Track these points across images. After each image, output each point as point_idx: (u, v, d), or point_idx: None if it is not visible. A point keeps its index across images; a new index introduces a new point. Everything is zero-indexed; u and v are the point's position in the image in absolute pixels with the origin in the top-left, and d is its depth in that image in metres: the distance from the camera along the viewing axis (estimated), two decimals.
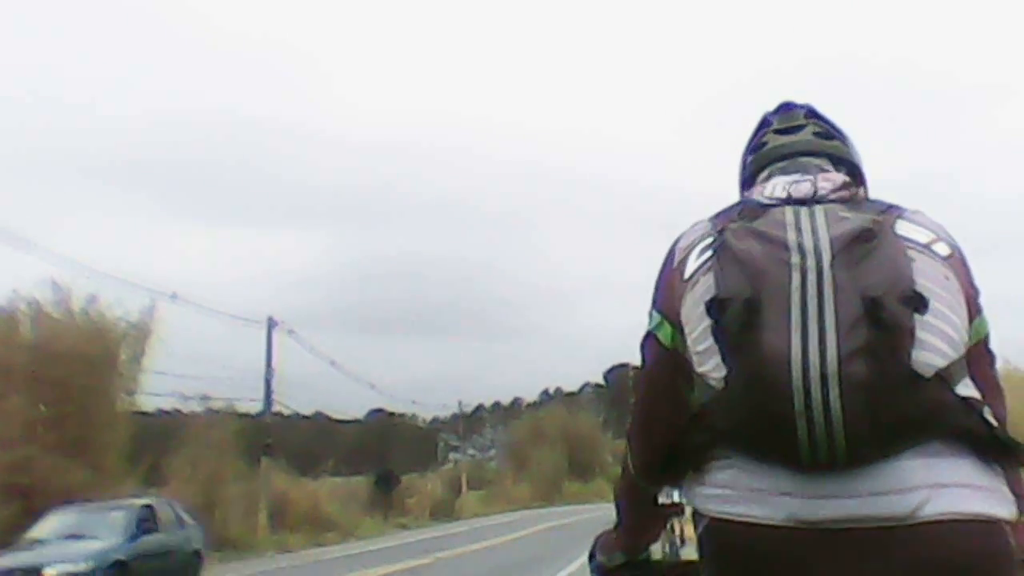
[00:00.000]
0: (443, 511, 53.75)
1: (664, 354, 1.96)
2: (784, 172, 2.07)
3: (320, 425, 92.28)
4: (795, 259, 1.71)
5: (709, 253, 1.84)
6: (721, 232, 1.84)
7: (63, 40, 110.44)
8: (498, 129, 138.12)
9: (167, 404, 33.29)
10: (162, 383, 31.55)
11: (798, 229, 1.76)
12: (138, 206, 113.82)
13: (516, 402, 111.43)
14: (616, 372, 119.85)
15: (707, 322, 1.76)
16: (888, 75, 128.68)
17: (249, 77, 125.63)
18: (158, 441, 31.15)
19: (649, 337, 2.01)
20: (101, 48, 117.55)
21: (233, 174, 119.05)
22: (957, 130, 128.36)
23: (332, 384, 75.44)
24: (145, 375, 29.22)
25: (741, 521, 1.72)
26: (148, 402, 32.27)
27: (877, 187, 2.15)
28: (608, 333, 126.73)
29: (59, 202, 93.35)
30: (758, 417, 1.67)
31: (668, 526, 6.72)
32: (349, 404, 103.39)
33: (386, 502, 46.22)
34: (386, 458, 76.26)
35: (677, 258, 1.96)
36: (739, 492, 1.73)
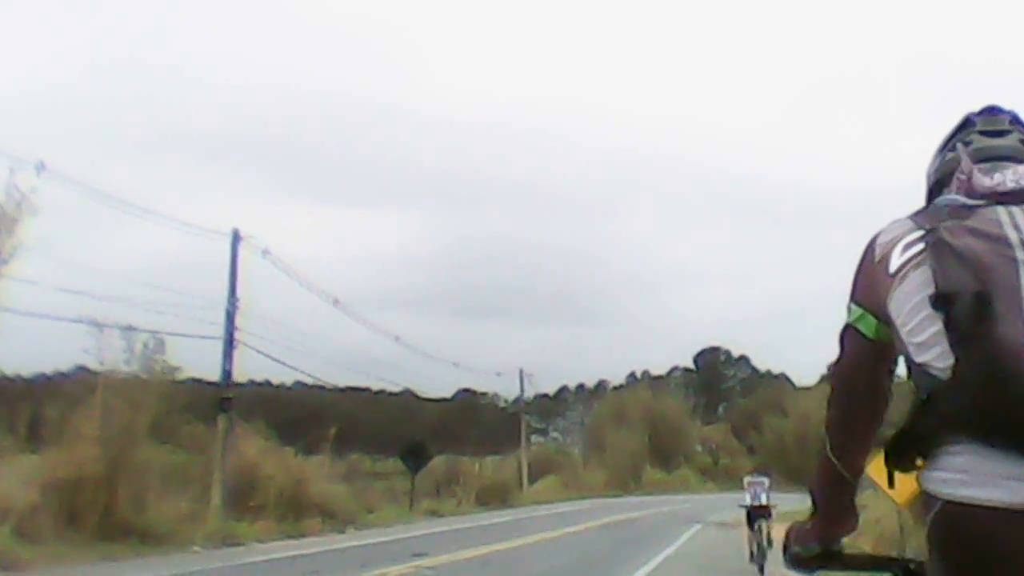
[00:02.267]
0: (496, 497, 43.98)
1: (866, 345, 2.02)
2: (989, 173, 2.02)
3: (407, 403, 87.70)
4: (1020, 255, 1.77)
5: (918, 248, 1.90)
6: (932, 230, 1.88)
7: (176, 10, 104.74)
8: (591, 113, 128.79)
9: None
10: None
11: (1015, 227, 1.82)
12: (245, 182, 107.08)
13: (601, 385, 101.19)
14: (707, 356, 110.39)
15: (925, 313, 1.82)
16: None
17: (352, 57, 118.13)
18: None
19: (849, 329, 2.06)
20: (212, 21, 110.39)
21: (336, 153, 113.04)
22: None
23: (416, 363, 69.54)
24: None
25: (977, 504, 1.72)
26: None
27: None
28: (698, 320, 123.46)
29: (166, 175, 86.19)
30: (994, 404, 1.69)
31: (755, 527, 16.40)
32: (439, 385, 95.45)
33: (412, 482, 36.61)
34: (461, 439, 68.23)
35: (878, 253, 2.01)
36: (975, 476, 1.73)
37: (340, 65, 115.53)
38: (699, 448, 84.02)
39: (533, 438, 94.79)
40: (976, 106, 2.21)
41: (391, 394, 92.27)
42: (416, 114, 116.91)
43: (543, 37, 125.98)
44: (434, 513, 35.67)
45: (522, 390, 58.21)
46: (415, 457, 37.56)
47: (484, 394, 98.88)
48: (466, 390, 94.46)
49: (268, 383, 67.52)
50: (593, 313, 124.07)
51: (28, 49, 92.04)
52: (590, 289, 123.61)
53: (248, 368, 27.37)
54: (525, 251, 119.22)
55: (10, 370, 26.45)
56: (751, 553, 17.61)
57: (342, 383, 63.55)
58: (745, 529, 18.56)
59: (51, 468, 19.63)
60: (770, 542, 17.02)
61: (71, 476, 19.55)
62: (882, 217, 2.04)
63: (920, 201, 2.20)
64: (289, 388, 75.16)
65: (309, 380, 41.76)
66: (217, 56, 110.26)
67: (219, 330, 25.46)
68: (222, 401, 25.17)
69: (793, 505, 41.29)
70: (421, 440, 40.96)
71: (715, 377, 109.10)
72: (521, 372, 57.56)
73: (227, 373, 25.42)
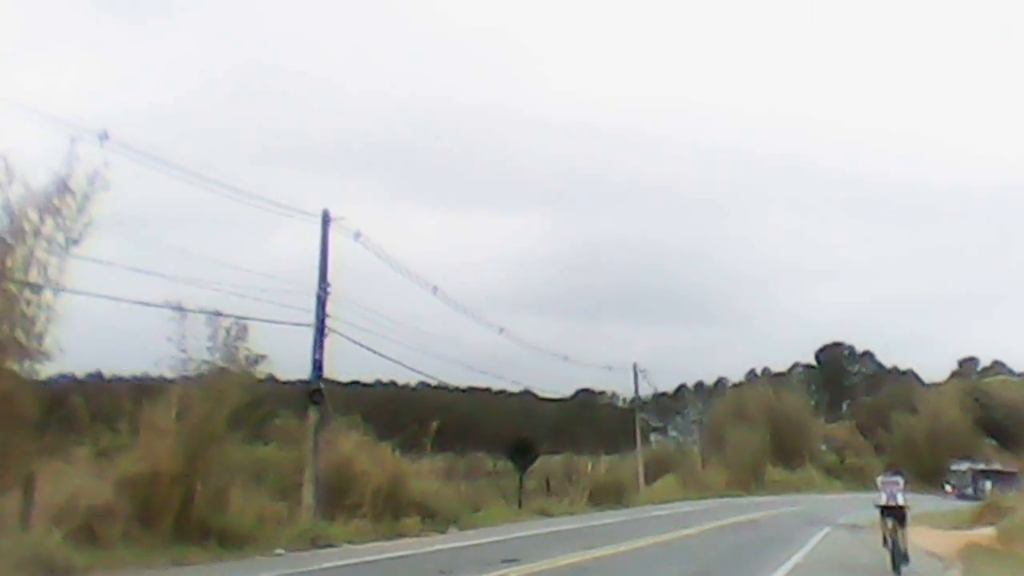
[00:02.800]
0: (611, 496, 41.77)
1: None
2: None
3: (526, 403, 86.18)
4: None
5: None
6: None
7: (300, 14, 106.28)
8: (698, 113, 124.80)
9: None
10: None
11: None
12: (367, 188, 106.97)
13: (720, 382, 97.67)
14: (829, 352, 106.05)
15: None
16: None
17: (466, 63, 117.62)
18: None
19: None
20: (339, 26, 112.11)
21: (454, 159, 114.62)
22: None
23: (534, 361, 67.91)
24: None
25: None
26: None
27: None
28: (817, 319, 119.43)
29: (291, 180, 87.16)
30: None
31: (890, 525, 17.28)
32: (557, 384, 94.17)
33: (520, 480, 34.70)
34: (578, 438, 66.28)
35: None
36: None
37: (459, 73, 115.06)
38: (823, 447, 79.97)
39: (652, 437, 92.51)
40: None
41: (510, 394, 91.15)
42: (534, 120, 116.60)
43: (652, 39, 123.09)
44: (543, 513, 33.72)
45: (636, 386, 55.71)
46: (522, 454, 35.74)
47: (602, 393, 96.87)
48: (584, 390, 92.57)
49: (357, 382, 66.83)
50: (710, 313, 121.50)
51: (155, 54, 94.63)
52: (705, 289, 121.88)
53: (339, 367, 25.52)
54: (641, 253, 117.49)
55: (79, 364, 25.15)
56: (889, 550, 17.46)
57: (463, 383, 62.18)
58: (880, 529, 18.23)
59: (125, 465, 18.23)
60: (906, 556, 17.45)
61: (145, 473, 18.15)
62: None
63: None
64: (386, 385, 73.86)
65: (419, 377, 40.15)
66: (341, 62, 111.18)
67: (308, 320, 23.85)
68: (312, 393, 23.55)
69: (926, 507, 37.47)
70: (527, 437, 39.08)
71: (838, 374, 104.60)
72: (635, 367, 55.17)
73: (318, 363, 23.80)
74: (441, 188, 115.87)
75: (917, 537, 29.24)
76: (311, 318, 23.87)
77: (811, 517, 36.84)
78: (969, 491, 59.47)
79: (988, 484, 58.03)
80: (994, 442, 79.42)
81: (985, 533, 30.63)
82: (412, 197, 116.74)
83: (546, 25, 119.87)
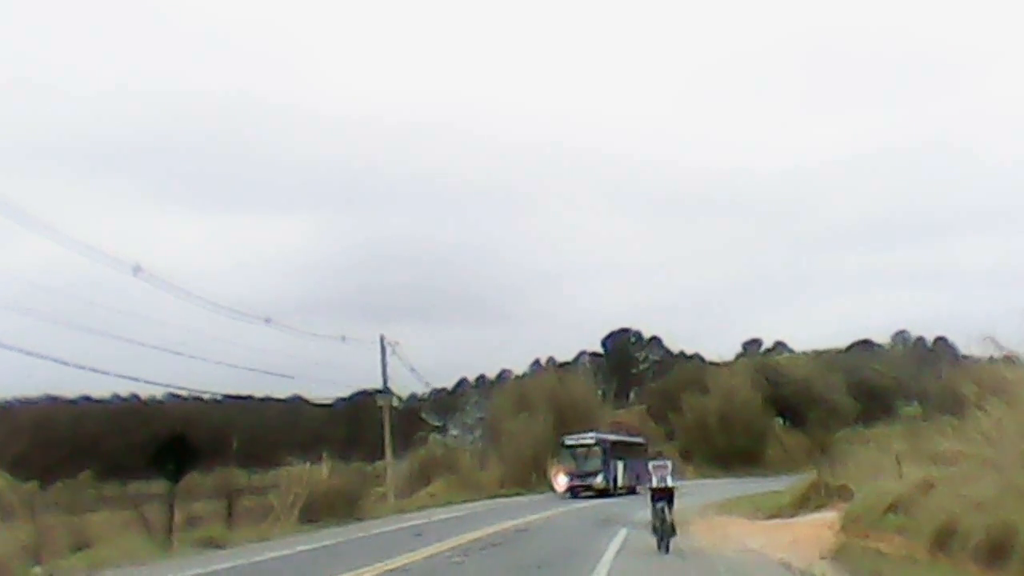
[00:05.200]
0: (339, 510, 30.74)
1: None
2: None
3: (293, 409, 76.61)
4: None
5: None
6: None
7: (51, 23, 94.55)
8: (483, 107, 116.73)
9: None
10: None
11: None
12: (126, 193, 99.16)
13: (503, 375, 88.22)
14: (616, 338, 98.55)
15: None
16: (877, 44, 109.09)
17: (233, 59, 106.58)
18: None
19: None
20: (88, 29, 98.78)
21: (221, 158, 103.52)
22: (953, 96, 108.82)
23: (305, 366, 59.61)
24: None
25: None
26: None
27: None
28: (606, 312, 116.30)
29: (50, 189, 79.44)
30: None
31: (659, 507, 18.08)
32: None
33: (171, 498, 23.16)
34: (350, 442, 55.97)
35: None
36: None
37: (219, 68, 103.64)
38: None
39: (433, 436, 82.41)
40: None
41: (278, 400, 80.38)
42: (309, 114, 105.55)
43: (441, 32, 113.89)
44: (211, 544, 22.43)
45: (384, 365, 44.19)
46: (172, 460, 23.95)
47: (377, 391, 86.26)
48: (362, 392, 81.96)
49: None
50: (498, 310, 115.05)
51: None
52: (494, 286, 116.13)
53: None
54: (428, 250, 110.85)
55: None
56: (655, 529, 18.06)
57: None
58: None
59: None
60: (673, 529, 18.19)
61: None
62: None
63: None
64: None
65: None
66: (85, 66, 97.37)
67: None
68: None
69: (728, 493, 29.15)
70: (180, 433, 26.92)
71: (626, 361, 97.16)
72: (382, 339, 43.90)
73: None
74: (210, 189, 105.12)
75: (737, 531, 20.14)
76: None
77: (601, 516, 27.42)
78: (600, 481, 43.34)
79: (620, 467, 45.31)
80: (784, 421, 74.14)
81: (823, 521, 21.78)
82: (176, 200, 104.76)
83: (322, 21, 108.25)
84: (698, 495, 38.91)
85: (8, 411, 56.05)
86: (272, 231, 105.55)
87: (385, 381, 43.48)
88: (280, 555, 19.47)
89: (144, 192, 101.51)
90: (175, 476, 23.40)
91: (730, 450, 64.36)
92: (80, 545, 19.60)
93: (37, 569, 17.40)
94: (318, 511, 29.17)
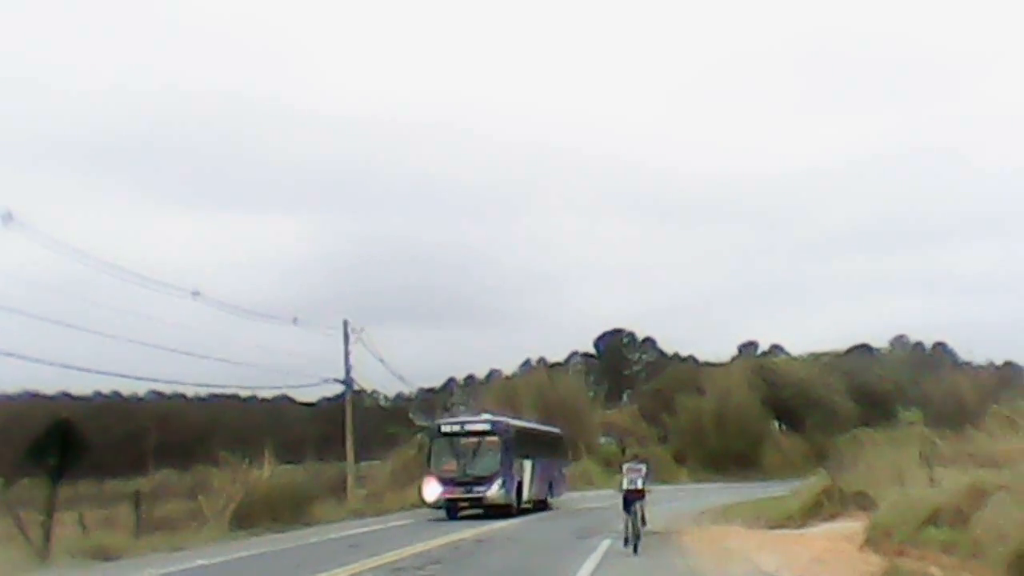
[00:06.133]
0: (283, 514, 27.01)
1: None
2: None
3: (278, 406, 73.05)
4: None
5: None
6: None
7: (47, 21, 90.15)
8: (478, 107, 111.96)
9: None
10: None
11: None
12: (117, 192, 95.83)
13: (493, 375, 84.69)
14: (609, 339, 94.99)
15: None
16: (875, 48, 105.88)
17: (229, 57, 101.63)
18: None
19: None
20: (83, 28, 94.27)
21: (216, 156, 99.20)
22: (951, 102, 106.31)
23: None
24: None
25: None
26: None
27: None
28: (599, 315, 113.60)
29: (39, 187, 76.11)
30: None
31: (632, 509, 17.94)
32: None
33: (50, 500, 18.82)
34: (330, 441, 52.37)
35: None
36: None
37: (216, 67, 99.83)
38: (603, 439, 68.01)
39: (418, 436, 79.03)
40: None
41: (263, 400, 77.74)
42: (304, 113, 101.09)
43: (437, 33, 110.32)
44: (99, 554, 18.69)
45: (347, 354, 40.16)
46: (55, 454, 19.67)
47: (373, 392, 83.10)
48: (357, 391, 78.77)
49: None
50: (490, 312, 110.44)
51: None
52: (486, 287, 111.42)
53: None
54: (421, 251, 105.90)
55: None
56: (626, 533, 17.85)
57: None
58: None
59: None
60: (644, 520, 18.46)
61: None
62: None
63: None
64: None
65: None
66: (81, 65, 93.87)
67: None
68: None
69: (724, 498, 25.96)
70: (65, 420, 22.50)
71: (618, 362, 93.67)
72: (345, 324, 39.82)
73: None
74: (203, 187, 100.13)
75: (740, 544, 16.67)
76: None
77: (581, 524, 23.85)
78: (495, 492, 29.29)
79: (528, 470, 31.95)
80: (782, 424, 70.80)
81: (841, 533, 18.27)
82: (168, 197, 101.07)
83: (320, 20, 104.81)
84: (692, 499, 35.51)
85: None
86: (265, 230, 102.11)
87: (348, 371, 39.60)
88: (165, 572, 15.94)
89: (136, 190, 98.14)
90: (57, 472, 19.36)
91: (725, 453, 60.80)
92: None
93: None
94: (256, 516, 25.48)
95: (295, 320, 34.02)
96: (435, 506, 29.65)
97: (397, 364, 48.80)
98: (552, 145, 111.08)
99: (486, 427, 31.03)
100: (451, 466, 29.72)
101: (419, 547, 18.89)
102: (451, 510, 29.41)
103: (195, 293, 29.66)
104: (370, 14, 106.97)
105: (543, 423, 42.42)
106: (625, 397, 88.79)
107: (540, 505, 33.29)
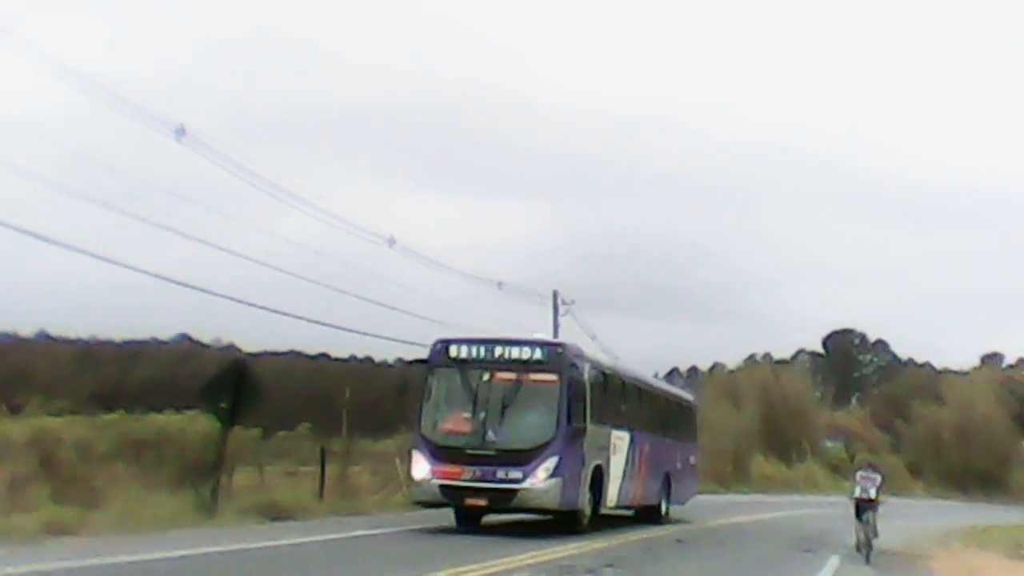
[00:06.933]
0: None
1: None
2: None
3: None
4: None
5: None
6: None
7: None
8: (711, 107, 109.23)
9: None
10: None
11: None
12: (376, 170, 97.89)
13: (716, 367, 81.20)
14: (838, 339, 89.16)
15: None
16: None
17: (474, 48, 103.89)
18: None
19: None
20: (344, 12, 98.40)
21: (461, 143, 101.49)
22: None
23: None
24: None
25: None
26: None
27: None
28: (827, 318, 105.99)
29: (301, 163, 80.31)
30: None
31: (864, 518, 16.23)
32: None
33: (221, 448, 16.88)
34: None
35: None
36: None
37: (463, 55, 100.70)
38: (828, 443, 63.65)
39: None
40: None
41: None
42: (541, 105, 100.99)
43: (675, 33, 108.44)
44: (268, 513, 16.98)
45: (556, 315, 36.36)
46: (228, 397, 16.78)
47: None
48: None
49: None
50: (712, 308, 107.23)
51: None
52: (707, 284, 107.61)
53: None
54: (647, 245, 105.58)
55: None
56: (858, 542, 16.80)
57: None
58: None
59: None
60: (876, 532, 16.60)
61: None
62: None
63: None
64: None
65: None
66: (346, 38, 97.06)
67: None
68: None
69: (960, 519, 18.24)
70: (240, 361, 20.35)
71: (847, 363, 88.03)
72: (555, 294, 36.71)
73: None
74: (445, 172, 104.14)
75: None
76: None
77: (803, 534, 21.04)
78: (540, 481, 15.51)
79: (624, 450, 19.79)
80: None
81: None
82: (416, 180, 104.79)
83: (561, 13, 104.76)
84: (930, 517, 31.85)
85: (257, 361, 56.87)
86: (506, 215, 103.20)
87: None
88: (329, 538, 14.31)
89: (394, 170, 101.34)
90: (230, 417, 17.69)
91: (967, 469, 55.27)
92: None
93: None
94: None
95: (499, 284, 32.32)
96: (429, 502, 16.58)
97: (622, 355, 46.64)
98: (781, 146, 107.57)
99: (535, 354, 16.48)
100: (459, 423, 16.28)
101: (643, 535, 16.60)
102: (461, 511, 16.62)
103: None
104: (609, 11, 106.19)
105: (678, 390, 31.27)
106: (854, 400, 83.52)
107: (646, 515, 21.02)
